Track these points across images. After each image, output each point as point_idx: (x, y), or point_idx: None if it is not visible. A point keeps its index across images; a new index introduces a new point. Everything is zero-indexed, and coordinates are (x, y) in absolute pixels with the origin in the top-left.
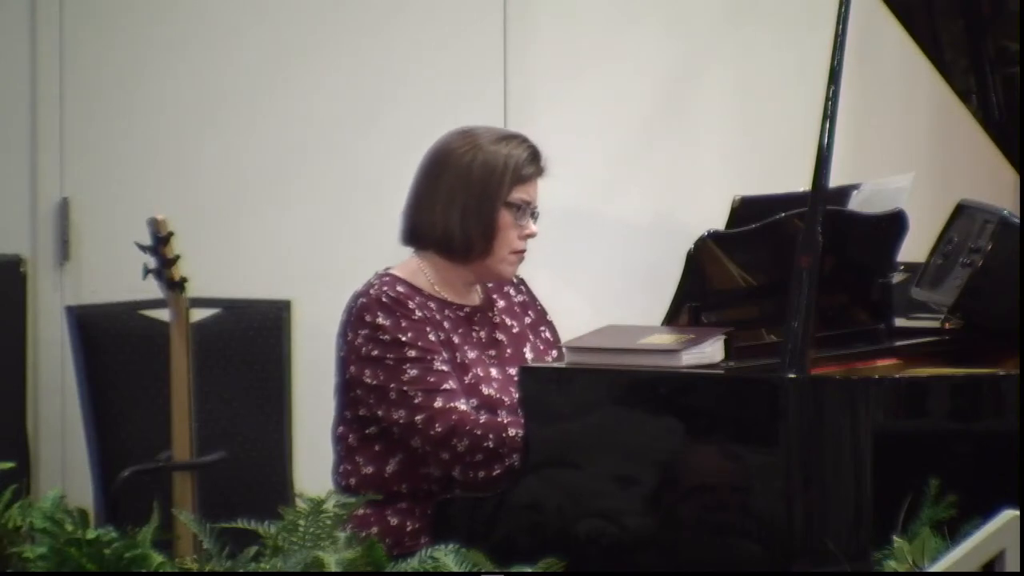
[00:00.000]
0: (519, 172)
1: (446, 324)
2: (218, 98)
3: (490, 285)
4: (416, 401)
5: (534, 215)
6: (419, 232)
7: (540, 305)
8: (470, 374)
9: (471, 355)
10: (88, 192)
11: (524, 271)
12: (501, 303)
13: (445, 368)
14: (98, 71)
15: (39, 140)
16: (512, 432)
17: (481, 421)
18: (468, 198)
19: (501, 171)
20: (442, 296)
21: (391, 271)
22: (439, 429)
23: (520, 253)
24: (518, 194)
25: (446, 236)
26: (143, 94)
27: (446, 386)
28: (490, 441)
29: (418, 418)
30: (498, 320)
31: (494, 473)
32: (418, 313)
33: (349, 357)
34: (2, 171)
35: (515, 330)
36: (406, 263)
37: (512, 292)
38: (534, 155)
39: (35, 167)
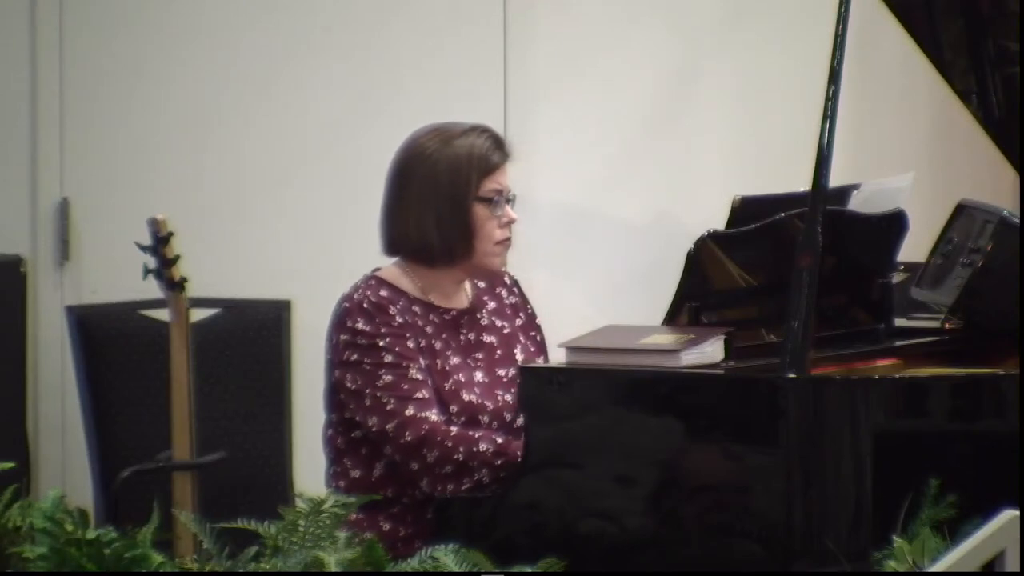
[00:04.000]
0: (484, 164)
1: (428, 329)
2: (218, 98)
3: (481, 286)
4: (389, 408)
5: (510, 200)
6: (397, 244)
7: (531, 309)
8: (451, 380)
9: (454, 361)
10: (88, 192)
11: (523, 271)
12: (492, 304)
13: (420, 376)
14: (98, 71)
15: (39, 140)
16: (483, 447)
17: (452, 433)
18: (439, 203)
19: (466, 168)
20: (428, 300)
21: (378, 273)
22: (409, 438)
23: (504, 243)
24: (488, 185)
25: (424, 245)
26: (143, 94)
27: (419, 395)
28: (460, 454)
29: (389, 426)
30: (486, 322)
31: (463, 487)
32: (398, 319)
33: (334, 360)
34: (2, 171)
35: (505, 331)
36: (393, 265)
37: (504, 293)
38: (496, 142)
39: (35, 167)
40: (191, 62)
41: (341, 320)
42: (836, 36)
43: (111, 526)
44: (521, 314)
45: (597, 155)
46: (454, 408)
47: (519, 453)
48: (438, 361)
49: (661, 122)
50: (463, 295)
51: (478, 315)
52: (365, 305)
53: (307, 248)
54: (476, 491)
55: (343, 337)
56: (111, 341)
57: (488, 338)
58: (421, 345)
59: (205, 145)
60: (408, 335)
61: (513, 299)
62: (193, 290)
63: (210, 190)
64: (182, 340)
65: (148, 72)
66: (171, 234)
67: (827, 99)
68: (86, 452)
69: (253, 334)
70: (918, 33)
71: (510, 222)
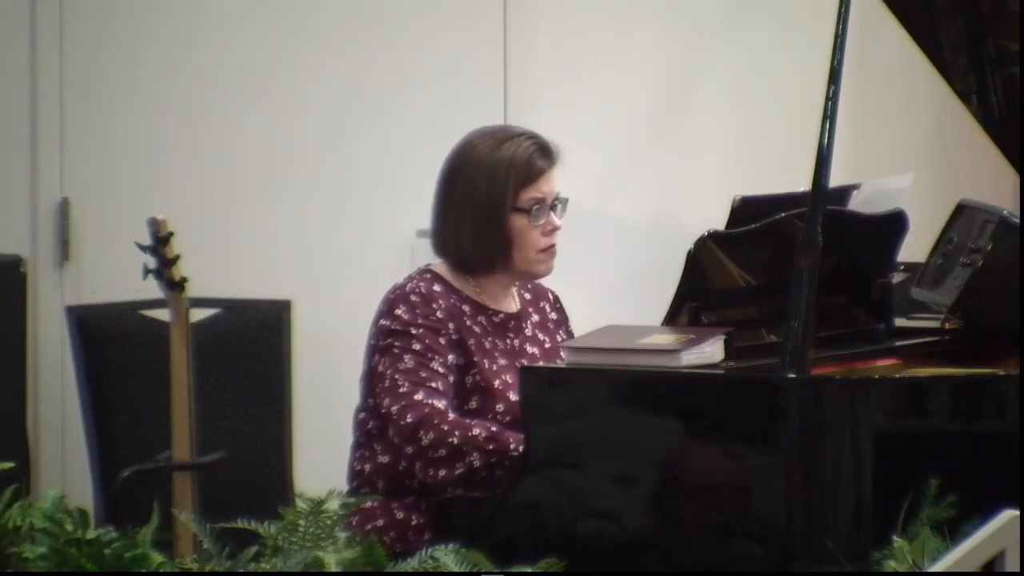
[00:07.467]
0: (524, 173)
1: (477, 329)
2: (218, 98)
3: (528, 297)
4: (401, 390)
5: (555, 207)
6: (441, 249)
7: (570, 327)
8: (499, 380)
9: (502, 361)
10: (88, 192)
11: None
12: (536, 317)
13: (441, 370)
14: (98, 71)
15: (39, 140)
16: (476, 432)
17: (449, 418)
18: (476, 214)
19: (504, 179)
20: (479, 300)
21: (432, 267)
22: (409, 420)
23: (548, 250)
24: (528, 195)
25: (463, 255)
26: (143, 94)
27: (433, 384)
28: (455, 438)
29: (395, 407)
30: (530, 333)
31: (455, 473)
32: (439, 314)
33: (375, 345)
34: (2, 171)
35: (547, 345)
36: (443, 263)
37: (548, 308)
38: (541, 150)
39: (35, 167)
40: (191, 62)
41: (387, 307)
42: (836, 36)
43: (111, 526)
44: (562, 331)
45: (597, 155)
46: (500, 407)
47: (511, 442)
48: (486, 361)
49: (661, 122)
50: (511, 299)
51: (523, 324)
52: (412, 296)
53: (307, 248)
54: (467, 477)
55: (383, 323)
56: (111, 341)
57: (531, 348)
58: (469, 343)
59: (205, 145)
60: (443, 331)
61: (556, 316)
62: (193, 290)
63: (210, 190)
64: (182, 340)
65: (148, 72)
66: (171, 234)
67: (827, 99)
68: (86, 452)
69: (253, 334)
70: (918, 33)
71: (554, 229)
